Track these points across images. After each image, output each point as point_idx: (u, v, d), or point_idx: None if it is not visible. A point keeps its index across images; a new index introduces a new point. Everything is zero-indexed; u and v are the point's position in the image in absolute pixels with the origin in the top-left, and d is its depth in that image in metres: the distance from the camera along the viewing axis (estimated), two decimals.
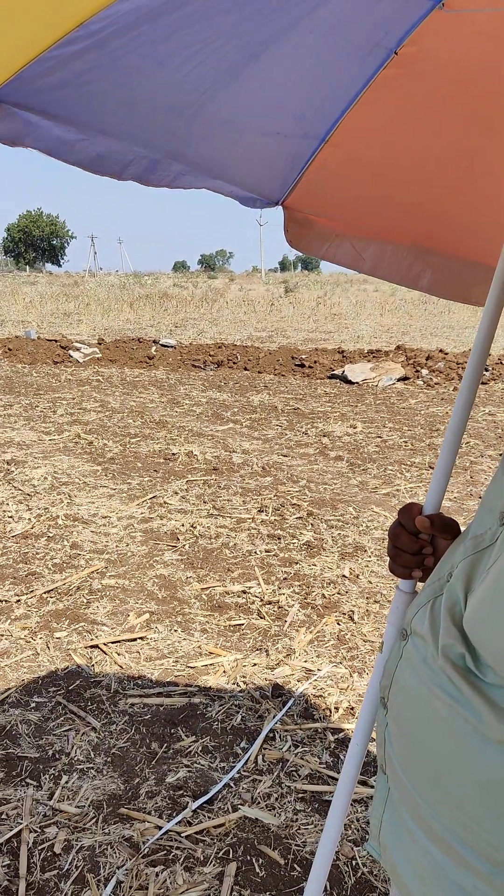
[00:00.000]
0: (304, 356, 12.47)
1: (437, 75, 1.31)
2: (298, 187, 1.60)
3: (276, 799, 2.45)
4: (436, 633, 0.94)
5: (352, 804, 2.44)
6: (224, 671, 3.20)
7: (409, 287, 1.68)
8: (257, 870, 2.17)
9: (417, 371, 11.22)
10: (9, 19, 1.07)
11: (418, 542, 1.16)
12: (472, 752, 0.84)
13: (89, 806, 2.40)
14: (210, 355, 12.89)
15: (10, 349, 13.18)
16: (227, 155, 1.54)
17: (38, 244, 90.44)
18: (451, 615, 0.93)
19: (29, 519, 4.95)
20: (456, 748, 0.87)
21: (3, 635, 3.47)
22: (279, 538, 4.73)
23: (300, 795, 2.47)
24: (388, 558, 1.24)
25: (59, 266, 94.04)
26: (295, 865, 2.19)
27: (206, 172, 1.51)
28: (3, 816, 2.34)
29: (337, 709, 2.94)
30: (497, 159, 1.37)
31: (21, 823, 2.30)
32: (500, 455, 1.19)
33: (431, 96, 1.36)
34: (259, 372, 11.82)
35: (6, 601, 3.80)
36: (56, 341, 13.87)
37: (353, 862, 2.23)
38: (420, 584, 1.15)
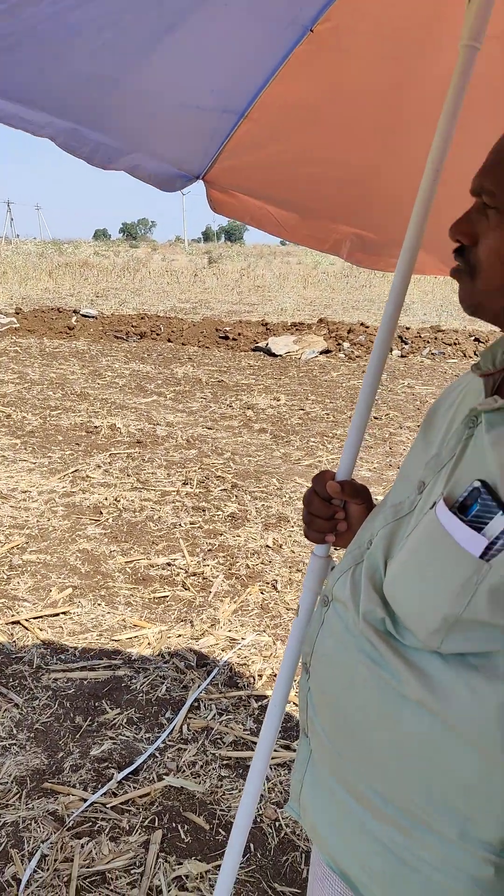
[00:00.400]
0: (228, 328, 12.44)
1: (352, 53, 1.32)
2: (219, 162, 1.59)
3: (201, 766, 2.49)
4: (357, 599, 0.97)
5: (275, 768, 2.50)
6: (149, 643, 3.20)
7: (332, 254, 1.71)
8: (183, 836, 2.21)
9: (339, 344, 11.37)
10: None
11: (331, 508, 1.19)
12: (392, 711, 0.88)
13: (12, 782, 2.38)
14: (133, 326, 12.69)
15: None
16: (146, 126, 1.51)
17: None
18: (372, 581, 0.96)
19: None
20: (376, 708, 0.90)
21: None
22: (204, 510, 4.74)
23: (225, 762, 2.52)
24: None
25: None
26: (220, 829, 2.24)
27: (126, 143, 1.48)
28: None
29: (261, 676, 3.00)
30: (411, 138, 1.39)
31: None
32: (419, 426, 1.23)
33: (347, 74, 1.36)
34: (183, 344, 11.72)
35: None
36: None
37: (277, 824, 2.29)
38: (335, 550, 1.18)
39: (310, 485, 1.23)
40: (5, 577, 3.75)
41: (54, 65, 1.23)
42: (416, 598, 0.89)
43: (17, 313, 13.54)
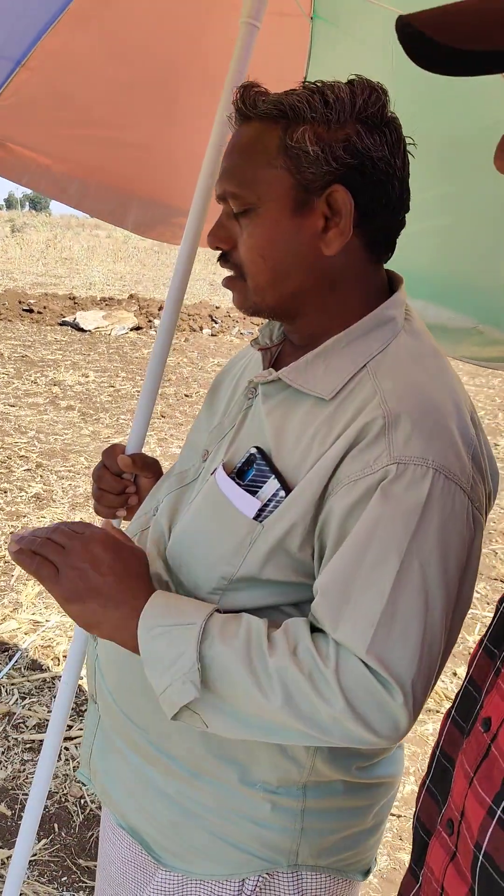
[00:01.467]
0: (32, 301, 11.90)
1: (132, 9, 1.30)
2: None
3: (3, 752, 2.41)
4: None
5: (77, 747, 2.48)
6: None
7: (116, 224, 1.68)
8: None
9: (150, 321, 11.30)
10: None
11: (122, 482, 1.20)
12: None
13: None
14: None
15: None
16: None
17: None
18: (157, 546, 0.98)
19: None
20: None
21: None
22: (5, 491, 4.54)
23: (28, 745, 2.46)
24: None
25: None
26: (23, 814, 2.18)
27: None
28: None
29: (65, 657, 2.94)
30: (191, 106, 1.41)
31: None
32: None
33: (126, 32, 1.34)
34: None
35: None
36: None
37: (82, 801, 2.28)
38: (126, 523, 1.19)
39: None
40: None
41: None
42: (196, 560, 0.92)
43: None
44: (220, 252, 0.93)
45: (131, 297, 13.03)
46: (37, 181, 1.59)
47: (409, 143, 0.91)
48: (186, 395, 7.38)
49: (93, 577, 0.86)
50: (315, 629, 0.84)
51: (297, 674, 0.79)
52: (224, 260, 0.94)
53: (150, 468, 1.21)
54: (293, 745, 0.89)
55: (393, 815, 2.33)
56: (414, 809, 0.75)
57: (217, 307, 13.01)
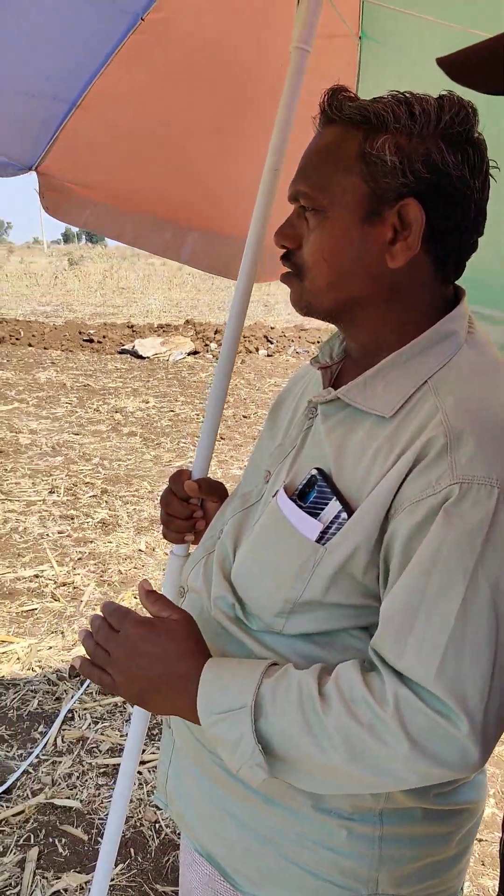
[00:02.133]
0: (92, 331, 12.19)
1: (183, 44, 1.33)
2: (53, 152, 1.55)
3: (78, 777, 2.44)
4: (209, 586, 0.99)
5: (153, 770, 2.49)
6: (18, 658, 3.10)
7: (172, 259, 1.71)
8: (60, 850, 2.15)
9: (206, 345, 11.43)
10: None
11: (189, 507, 1.21)
12: None
13: None
14: None
15: None
16: None
17: None
18: (222, 569, 0.98)
19: None
20: None
21: None
22: (72, 518, 4.64)
23: (102, 770, 2.48)
24: None
25: None
26: (98, 839, 2.20)
27: None
28: None
29: None
30: (246, 134, 1.42)
31: None
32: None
33: (179, 66, 1.37)
34: (45, 348, 11.36)
35: None
36: None
37: (157, 825, 2.28)
38: (194, 547, 1.20)
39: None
40: None
41: None
42: (259, 583, 0.92)
43: None
44: (284, 251, 0.94)
45: (187, 322, 13.22)
46: (94, 221, 1.63)
47: (493, 167, 0.89)
48: (245, 417, 7.42)
49: (143, 679, 0.88)
50: (368, 667, 0.82)
51: (357, 727, 0.77)
52: (286, 258, 0.94)
53: (216, 492, 1.21)
54: None
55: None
56: (499, 834, 0.72)
57: (272, 328, 13.07)
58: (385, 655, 0.80)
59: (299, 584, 0.87)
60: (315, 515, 0.87)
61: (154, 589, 0.97)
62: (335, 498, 0.86)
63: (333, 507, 0.86)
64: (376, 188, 0.85)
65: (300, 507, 0.88)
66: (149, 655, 0.88)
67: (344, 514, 0.85)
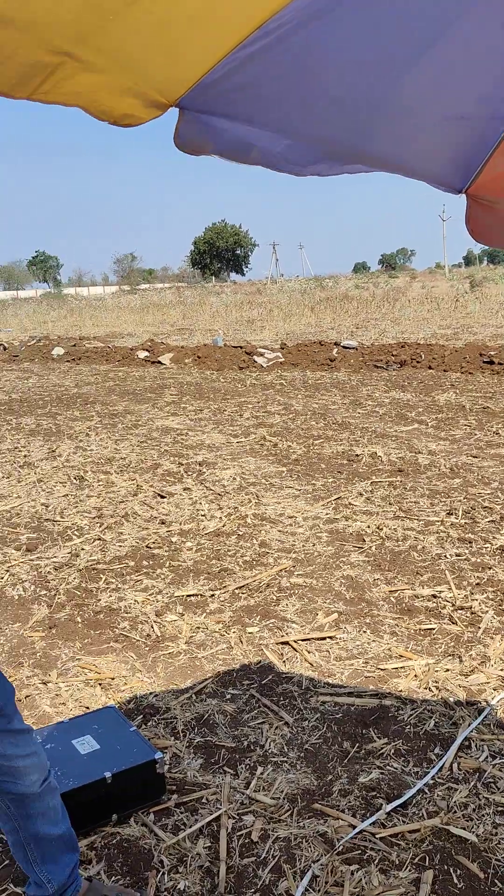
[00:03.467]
0: (493, 353, 11.92)
1: None
2: (483, 173, 1.54)
3: (474, 810, 2.36)
4: None
5: None
6: (415, 675, 3.13)
7: None
8: (455, 880, 2.10)
9: None
10: (195, 28, 1.13)
11: None
12: None
13: (284, 798, 2.45)
14: (392, 355, 12.69)
15: (199, 357, 13.82)
16: (407, 146, 1.51)
17: (222, 255, 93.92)
18: None
19: (220, 518, 5.16)
20: None
21: (199, 628, 3.64)
22: (470, 542, 4.56)
23: (500, 808, 2.37)
24: None
25: (243, 275, 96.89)
26: (496, 881, 2.10)
27: (387, 166, 1.50)
28: (203, 800, 2.45)
29: None
30: None
31: (220, 809, 2.40)
32: None
33: None
34: (444, 370, 11.46)
35: (201, 595, 3.98)
36: (241, 347, 14.33)
37: None
38: None
39: None
40: (275, 598, 3.92)
41: (313, 92, 1.29)
42: None
43: (282, 348, 14.25)
44: None
45: None
46: None
47: None
48: None
49: None
50: None
51: None
52: None
53: None
54: None
55: None
56: None
57: None
58: None
59: None
60: None
61: None
62: None
63: None
64: None
65: None
66: None
67: None
